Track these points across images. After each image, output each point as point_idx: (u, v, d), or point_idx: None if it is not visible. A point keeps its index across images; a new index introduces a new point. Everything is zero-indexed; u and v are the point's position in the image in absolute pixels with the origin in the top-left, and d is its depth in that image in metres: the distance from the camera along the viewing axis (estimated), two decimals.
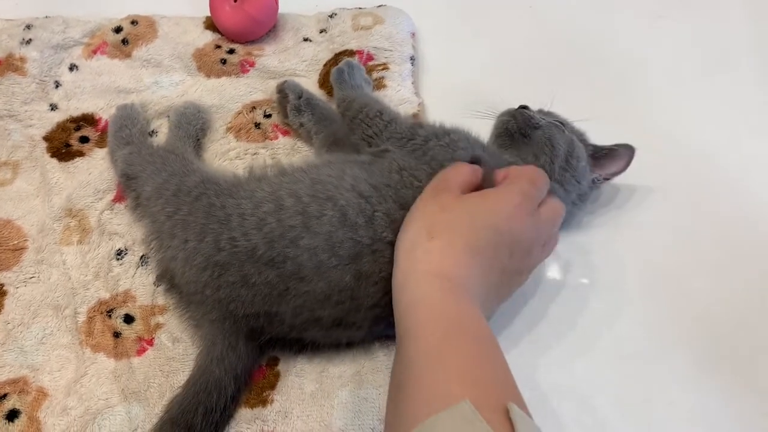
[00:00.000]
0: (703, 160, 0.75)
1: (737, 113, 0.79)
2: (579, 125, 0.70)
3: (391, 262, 0.56)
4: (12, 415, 0.60)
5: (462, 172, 0.58)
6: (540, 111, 0.70)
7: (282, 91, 0.74)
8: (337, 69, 0.74)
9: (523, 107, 0.69)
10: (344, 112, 0.69)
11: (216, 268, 0.57)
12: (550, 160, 0.64)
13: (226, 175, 0.64)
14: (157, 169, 0.65)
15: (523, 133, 0.66)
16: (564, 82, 0.82)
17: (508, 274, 0.56)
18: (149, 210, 0.63)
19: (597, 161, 0.67)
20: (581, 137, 0.69)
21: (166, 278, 0.63)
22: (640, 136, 0.69)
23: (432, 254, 0.53)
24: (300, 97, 0.72)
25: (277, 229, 0.57)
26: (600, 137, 0.77)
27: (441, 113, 0.78)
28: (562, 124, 0.67)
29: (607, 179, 0.68)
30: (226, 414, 0.58)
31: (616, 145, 0.67)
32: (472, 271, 0.52)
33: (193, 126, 0.73)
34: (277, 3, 0.82)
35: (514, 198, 0.56)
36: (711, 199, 0.73)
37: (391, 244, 0.56)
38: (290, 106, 0.72)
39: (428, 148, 0.61)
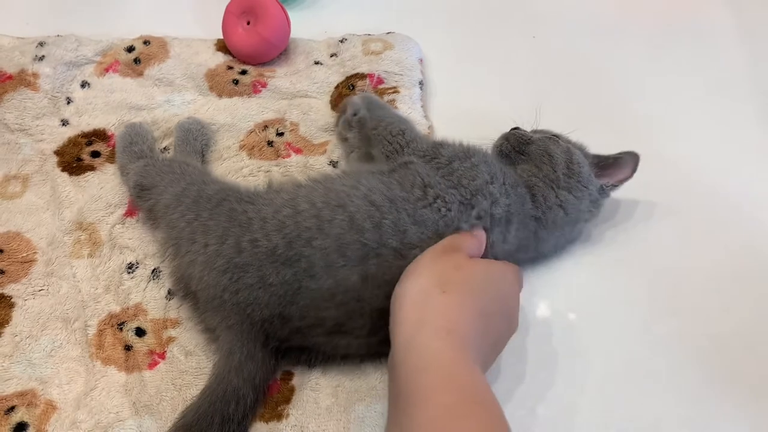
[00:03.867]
0: (705, 184, 0.77)
1: (736, 138, 0.82)
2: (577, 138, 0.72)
3: (394, 267, 0.57)
4: (20, 429, 0.58)
5: (472, 242, 0.59)
6: (533, 130, 0.72)
7: (345, 105, 0.76)
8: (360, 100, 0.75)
9: (515, 128, 0.71)
10: (371, 130, 0.70)
11: (236, 270, 0.58)
12: (552, 169, 0.66)
13: (245, 185, 0.65)
14: (176, 178, 0.65)
15: (519, 150, 0.68)
16: (566, 108, 0.84)
17: (502, 339, 0.57)
18: (167, 218, 0.63)
19: (603, 170, 0.69)
20: (580, 148, 0.70)
21: (182, 286, 0.62)
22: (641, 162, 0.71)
23: (446, 309, 0.52)
24: (355, 115, 0.73)
25: (295, 231, 0.58)
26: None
27: (449, 136, 0.80)
28: (556, 137, 0.70)
29: (616, 186, 0.69)
30: (244, 425, 0.57)
31: (619, 153, 0.69)
32: (479, 332, 0.52)
33: (198, 141, 0.74)
34: (289, 26, 0.83)
35: (513, 268, 0.60)
36: (715, 221, 0.75)
37: (396, 251, 0.57)
38: (343, 119, 0.74)
39: (453, 169, 0.62)
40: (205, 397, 0.56)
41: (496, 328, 0.55)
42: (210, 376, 0.59)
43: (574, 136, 0.72)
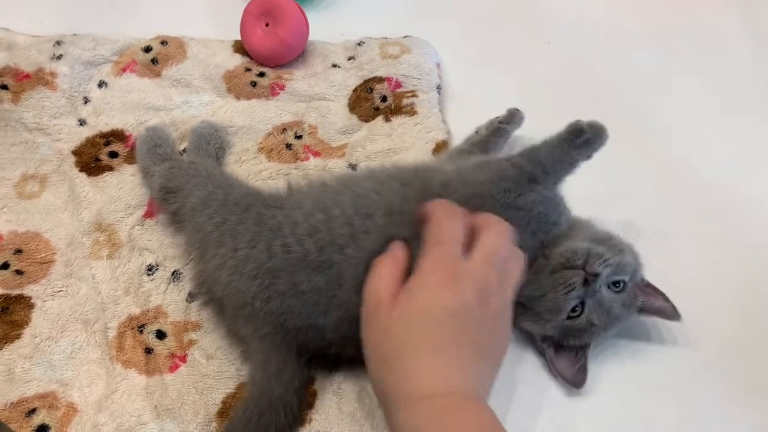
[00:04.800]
0: (718, 195, 0.78)
1: (751, 148, 0.82)
2: None
3: None
4: (41, 431, 0.58)
5: (452, 227, 0.54)
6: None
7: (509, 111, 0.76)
8: None
9: (594, 274, 0.60)
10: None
11: (267, 275, 0.57)
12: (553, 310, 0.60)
13: (268, 190, 0.65)
14: (203, 181, 0.64)
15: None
16: (581, 113, 0.84)
17: (481, 336, 0.52)
18: (194, 221, 0.62)
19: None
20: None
21: (205, 291, 0.62)
22: (652, 171, 0.71)
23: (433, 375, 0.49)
24: (502, 123, 0.74)
25: (328, 237, 0.57)
26: (612, 170, 0.79)
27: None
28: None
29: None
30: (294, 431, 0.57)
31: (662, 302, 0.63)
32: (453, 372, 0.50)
33: (212, 146, 0.74)
34: (308, 29, 0.83)
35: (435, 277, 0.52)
36: (728, 231, 0.75)
37: None
38: (492, 120, 0.75)
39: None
40: (252, 409, 0.56)
41: (467, 336, 0.51)
42: (249, 386, 0.59)
43: None
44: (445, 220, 0.54)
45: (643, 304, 0.62)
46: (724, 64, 0.92)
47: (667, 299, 0.63)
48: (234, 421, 0.56)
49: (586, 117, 0.83)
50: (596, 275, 0.58)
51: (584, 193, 0.65)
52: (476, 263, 0.52)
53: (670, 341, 0.66)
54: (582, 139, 0.61)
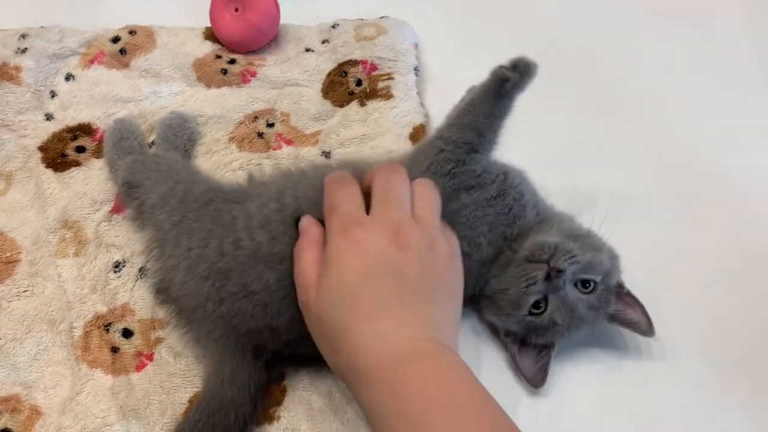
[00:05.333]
0: (706, 165, 0.75)
1: (742, 113, 0.79)
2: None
3: None
4: None
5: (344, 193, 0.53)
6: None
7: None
8: None
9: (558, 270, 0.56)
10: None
11: (218, 276, 0.55)
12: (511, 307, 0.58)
13: (230, 184, 0.63)
14: (163, 177, 0.62)
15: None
16: (568, 92, 0.82)
17: (415, 279, 0.49)
18: (154, 218, 0.60)
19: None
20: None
21: (163, 290, 0.60)
22: (638, 140, 0.68)
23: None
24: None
25: (280, 227, 0.55)
26: (598, 141, 0.77)
27: None
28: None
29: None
30: None
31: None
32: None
33: (180, 138, 0.71)
34: (279, 12, 0.80)
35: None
36: (712, 204, 0.72)
37: None
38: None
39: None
40: (203, 410, 0.54)
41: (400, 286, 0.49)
42: (203, 387, 0.57)
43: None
44: (335, 189, 0.52)
45: (616, 313, 0.58)
46: (716, 21, 0.88)
47: (644, 312, 0.59)
48: (183, 422, 0.55)
49: (574, 95, 0.81)
50: (560, 271, 0.55)
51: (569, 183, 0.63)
52: (375, 211, 0.51)
53: (662, 325, 0.63)
54: (509, 85, 0.57)
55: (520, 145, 0.66)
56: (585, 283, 0.56)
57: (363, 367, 0.46)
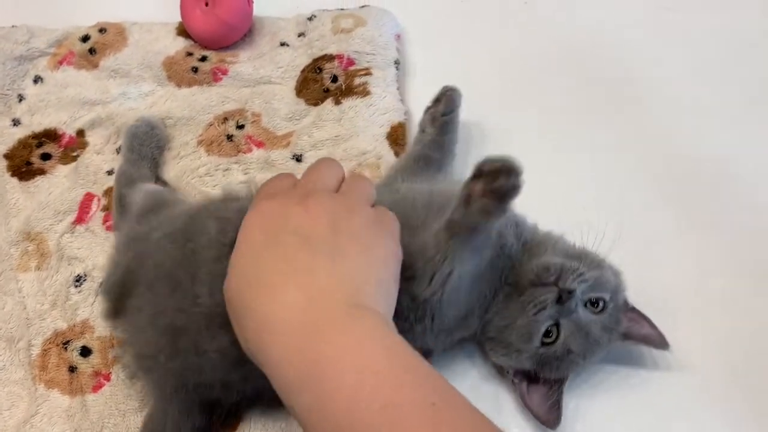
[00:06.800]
0: (718, 166, 0.69)
1: (756, 112, 0.72)
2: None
3: None
4: None
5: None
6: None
7: (442, 95, 0.67)
8: None
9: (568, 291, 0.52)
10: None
11: (175, 333, 0.51)
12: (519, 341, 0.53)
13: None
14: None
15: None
16: (562, 82, 0.76)
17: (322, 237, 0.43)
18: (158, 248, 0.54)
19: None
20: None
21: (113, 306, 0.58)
22: (644, 140, 0.63)
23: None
24: (445, 115, 0.66)
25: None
26: (600, 143, 0.71)
27: None
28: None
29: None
30: None
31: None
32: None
33: (147, 146, 0.68)
34: (251, 6, 0.76)
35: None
36: (725, 205, 0.67)
37: None
38: (432, 111, 0.66)
39: None
40: None
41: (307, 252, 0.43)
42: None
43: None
44: (270, 181, 0.49)
45: (628, 330, 0.54)
46: (728, 17, 0.81)
47: (653, 326, 0.55)
48: None
49: (571, 89, 0.75)
50: (571, 291, 0.50)
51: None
52: (293, 188, 0.47)
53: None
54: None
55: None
56: (595, 302, 0.52)
57: (271, 347, 0.40)
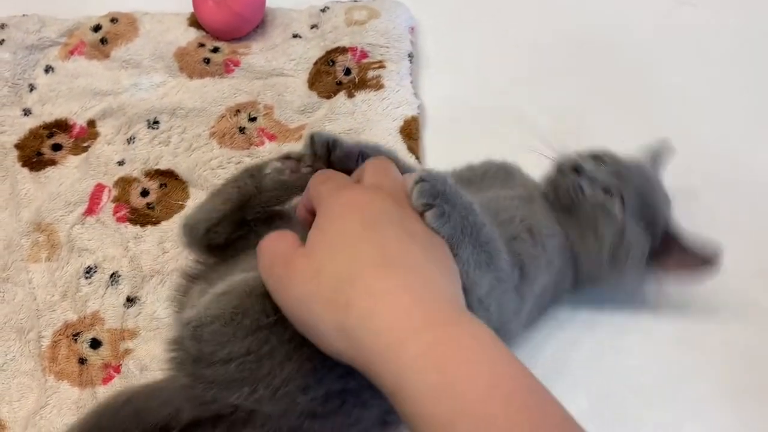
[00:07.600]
0: (731, 163, 0.68)
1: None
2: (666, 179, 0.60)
3: None
4: None
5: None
6: (596, 158, 0.57)
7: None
8: None
9: (576, 168, 0.55)
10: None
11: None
12: (598, 248, 0.54)
13: None
14: None
15: (565, 204, 0.56)
16: (577, 76, 0.76)
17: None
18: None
19: (666, 255, 0.56)
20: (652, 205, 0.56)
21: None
22: (660, 136, 0.62)
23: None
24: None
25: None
26: (613, 136, 0.70)
27: (442, 116, 0.73)
28: (615, 195, 0.54)
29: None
30: None
31: (700, 248, 0.55)
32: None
33: None
34: None
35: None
36: (738, 199, 0.66)
37: None
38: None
39: None
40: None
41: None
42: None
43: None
44: (317, 183, 0.46)
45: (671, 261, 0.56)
46: (742, 11, 0.80)
47: (694, 249, 0.55)
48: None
49: (585, 78, 0.74)
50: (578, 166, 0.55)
51: None
52: (367, 182, 0.45)
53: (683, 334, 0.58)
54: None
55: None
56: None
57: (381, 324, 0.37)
